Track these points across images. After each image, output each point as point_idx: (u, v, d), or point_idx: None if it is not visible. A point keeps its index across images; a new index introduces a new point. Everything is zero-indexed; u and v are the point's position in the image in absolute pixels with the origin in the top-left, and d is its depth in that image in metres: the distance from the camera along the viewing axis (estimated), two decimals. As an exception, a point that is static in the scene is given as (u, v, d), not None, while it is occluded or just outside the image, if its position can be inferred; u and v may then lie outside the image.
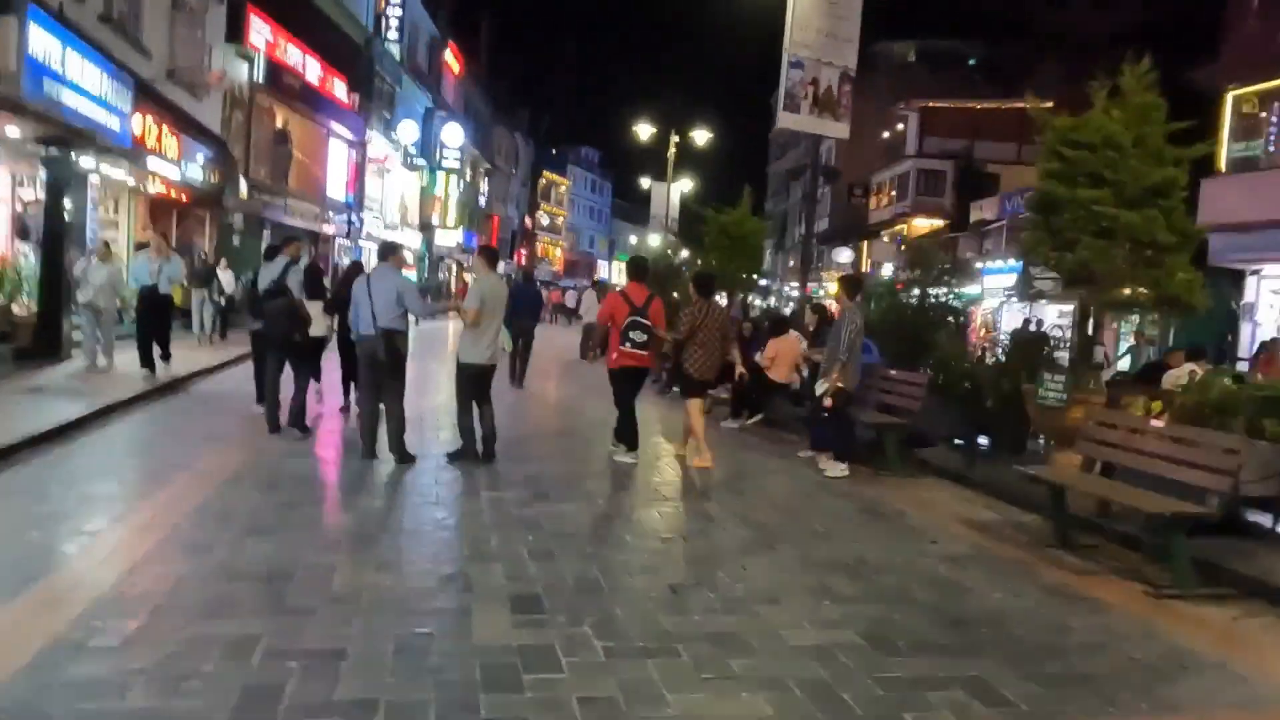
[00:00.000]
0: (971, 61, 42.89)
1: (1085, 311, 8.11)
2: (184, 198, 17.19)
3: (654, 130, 30.85)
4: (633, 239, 69.37)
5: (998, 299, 25.90)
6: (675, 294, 15.95)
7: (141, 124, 13.97)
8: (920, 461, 8.97)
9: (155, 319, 11.58)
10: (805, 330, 11.86)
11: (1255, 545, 6.00)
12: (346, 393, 10.28)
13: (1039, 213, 7.86)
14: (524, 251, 61.74)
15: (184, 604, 4.18)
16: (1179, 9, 24.27)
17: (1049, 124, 7.88)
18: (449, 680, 3.55)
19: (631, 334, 8.11)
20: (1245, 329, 18.14)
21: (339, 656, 3.69)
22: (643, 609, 4.47)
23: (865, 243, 41.23)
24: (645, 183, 41.99)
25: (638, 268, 8.86)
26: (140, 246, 13.02)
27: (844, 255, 40.83)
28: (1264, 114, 17.87)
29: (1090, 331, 8.63)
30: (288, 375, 8.78)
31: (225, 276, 16.18)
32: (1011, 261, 25.39)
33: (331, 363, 9.92)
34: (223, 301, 16.11)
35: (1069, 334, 11.26)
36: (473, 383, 7.90)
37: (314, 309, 8.91)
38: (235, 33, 19.33)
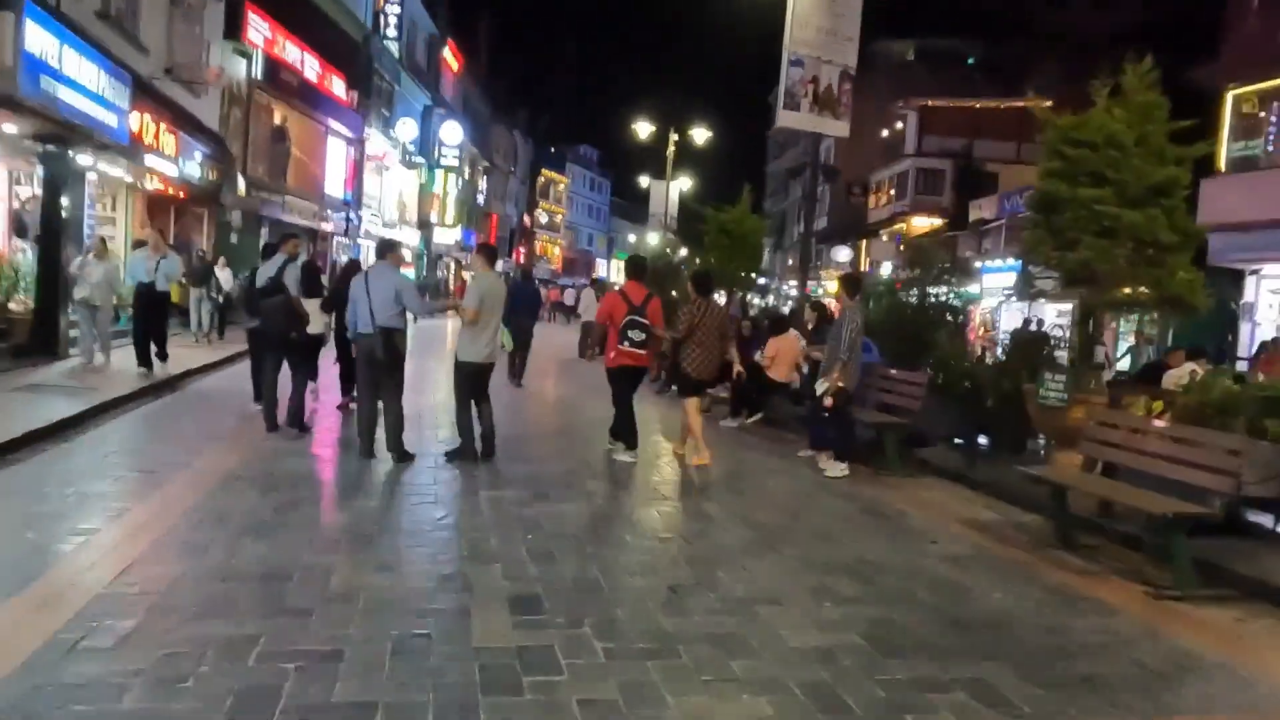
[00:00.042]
0: (970, 60, 42.89)
1: (1086, 311, 8.07)
2: (182, 195, 17.13)
3: (653, 129, 30.79)
4: (631, 237, 69.32)
5: (996, 298, 25.90)
6: (674, 293, 15.92)
7: (139, 121, 13.91)
8: (920, 461, 8.95)
9: (152, 317, 11.54)
10: (803, 328, 11.84)
11: (1256, 546, 5.98)
12: (344, 391, 10.25)
13: (1040, 212, 7.83)
14: (522, 250, 61.68)
15: (180, 604, 4.15)
16: (1179, 8, 24.25)
17: (1050, 122, 7.85)
18: (448, 682, 3.51)
19: (630, 333, 8.11)
20: (1244, 329, 18.14)
21: (337, 658, 3.66)
22: (643, 610, 4.44)
23: (864, 242, 41.22)
24: (644, 181, 41.94)
25: (636, 267, 8.86)
26: (139, 244, 12.97)
27: (843, 254, 40.81)
28: (1263, 114, 17.88)
29: (1090, 331, 8.59)
30: (285, 374, 8.75)
31: (223, 275, 16.14)
32: (1010, 261, 25.39)
33: (329, 361, 9.88)
34: (220, 299, 16.06)
35: (1068, 333, 11.26)
36: (471, 381, 7.88)
37: (311, 307, 8.87)
38: (233, 29, 19.27)
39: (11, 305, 11.89)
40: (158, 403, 10.09)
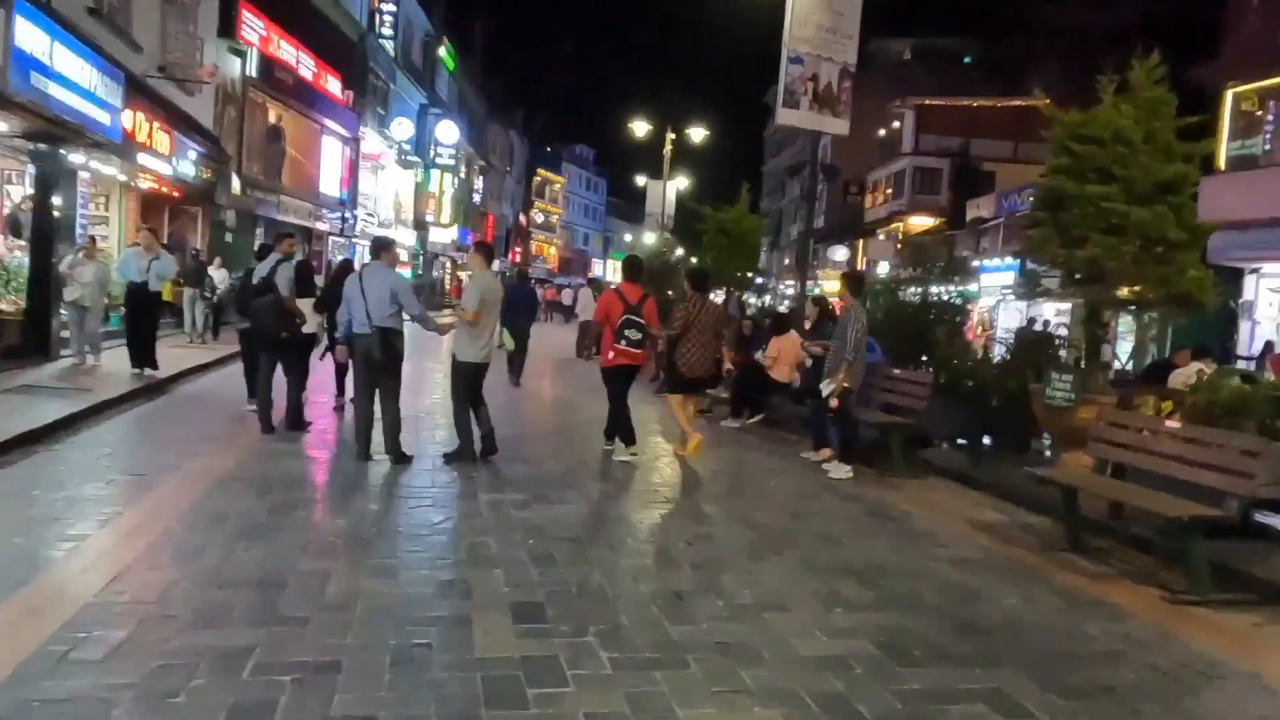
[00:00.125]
0: (967, 60, 42.87)
1: (1094, 309, 7.97)
2: (176, 194, 17.00)
3: (649, 128, 30.64)
4: (628, 237, 69.23)
5: (994, 297, 25.84)
6: (670, 293, 15.82)
7: (132, 119, 13.77)
8: (924, 462, 8.85)
9: (143, 317, 11.39)
10: (801, 325, 11.77)
11: (1269, 548, 5.86)
12: (340, 392, 10.13)
13: (1047, 209, 7.72)
14: (519, 249, 61.54)
15: (173, 613, 4.02)
16: (1178, 7, 24.21)
17: (1057, 119, 7.74)
18: (450, 694, 3.39)
19: (626, 332, 8.09)
20: (1244, 327, 18.09)
21: (334, 669, 3.53)
22: (648, 617, 4.32)
23: (861, 241, 41.17)
24: (640, 181, 41.81)
25: (633, 266, 8.88)
26: (135, 245, 12.83)
27: (839, 253, 40.74)
28: (1262, 112, 17.82)
29: (1097, 330, 8.49)
30: (281, 374, 8.63)
31: (218, 274, 15.99)
32: (1009, 260, 25.35)
33: (324, 360, 9.75)
34: (215, 299, 15.92)
35: (1068, 332, 11.16)
36: (470, 381, 7.78)
37: (305, 306, 8.75)
38: (227, 27, 19.15)
39: (3, 305, 11.74)
40: (151, 404, 9.95)
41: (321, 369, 9.85)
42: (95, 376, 10.66)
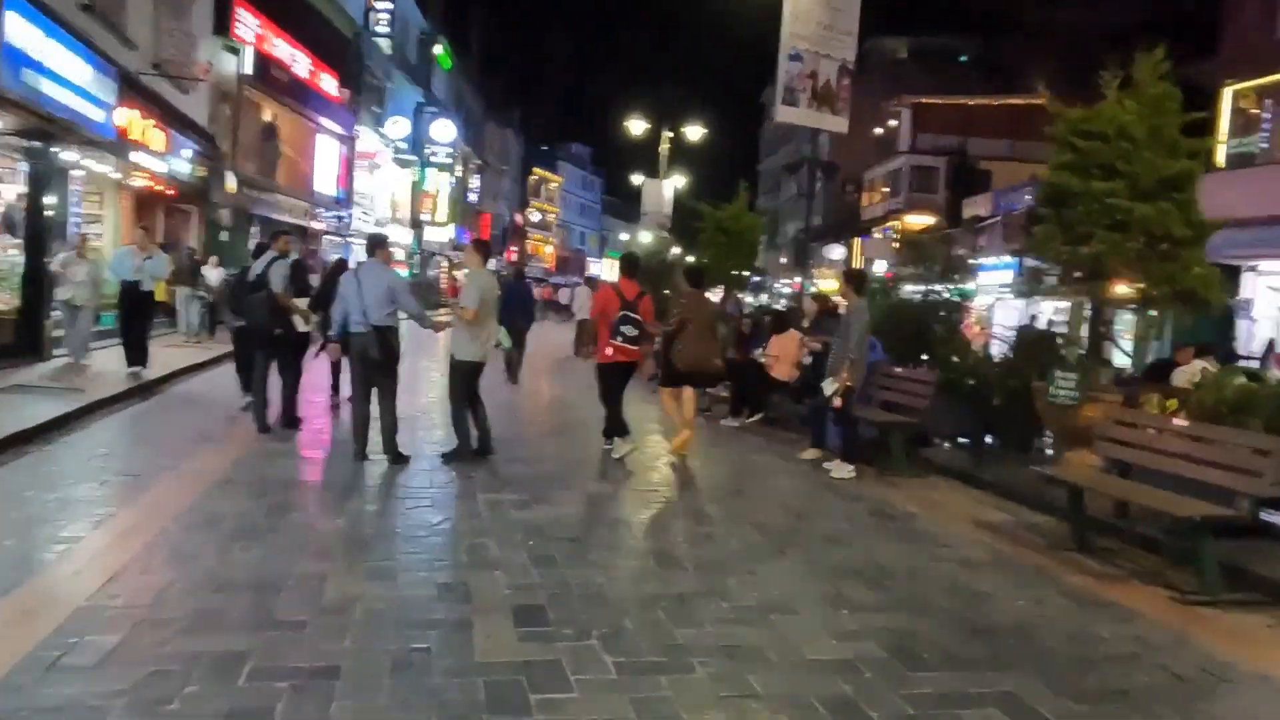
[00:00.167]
0: (964, 58, 42.84)
1: (1098, 307, 7.90)
2: (171, 192, 16.87)
3: (646, 127, 30.53)
4: (624, 235, 69.11)
5: (992, 295, 25.78)
6: (666, 291, 15.74)
7: (126, 117, 13.65)
8: (925, 461, 8.78)
9: (136, 316, 11.27)
10: (799, 322, 11.71)
11: (1274, 547, 5.79)
12: (335, 390, 10.05)
13: (1050, 206, 7.66)
14: (515, 248, 61.42)
15: (167, 617, 3.94)
16: (1176, 5, 24.19)
17: (1061, 115, 7.68)
18: (451, 700, 3.31)
19: (623, 329, 8.03)
20: (1241, 325, 18.05)
21: (332, 675, 3.45)
22: (652, 619, 4.24)
23: (856, 240, 41.11)
24: (637, 179, 41.70)
25: (630, 263, 8.88)
26: (130, 244, 12.71)
27: (835, 252, 40.68)
28: (1259, 110, 17.79)
29: (1100, 328, 8.43)
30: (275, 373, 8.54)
31: (214, 273, 15.86)
32: (1006, 258, 25.30)
33: (319, 359, 9.66)
34: (210, 298, 15.80)
35: (1068, 330, 11.11)
36: (468, 380, 7.71)
37: (300, 305, 8.67)
38: (222, 25, 19.01)
39: (-4, 304, 11.63)
40: (145, 404, 9.86)
41: (316, 367, 9.76)
42: (88, 376, 10.55)
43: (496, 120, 57.76)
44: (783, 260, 50.82)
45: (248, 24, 19.94)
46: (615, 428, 8.28)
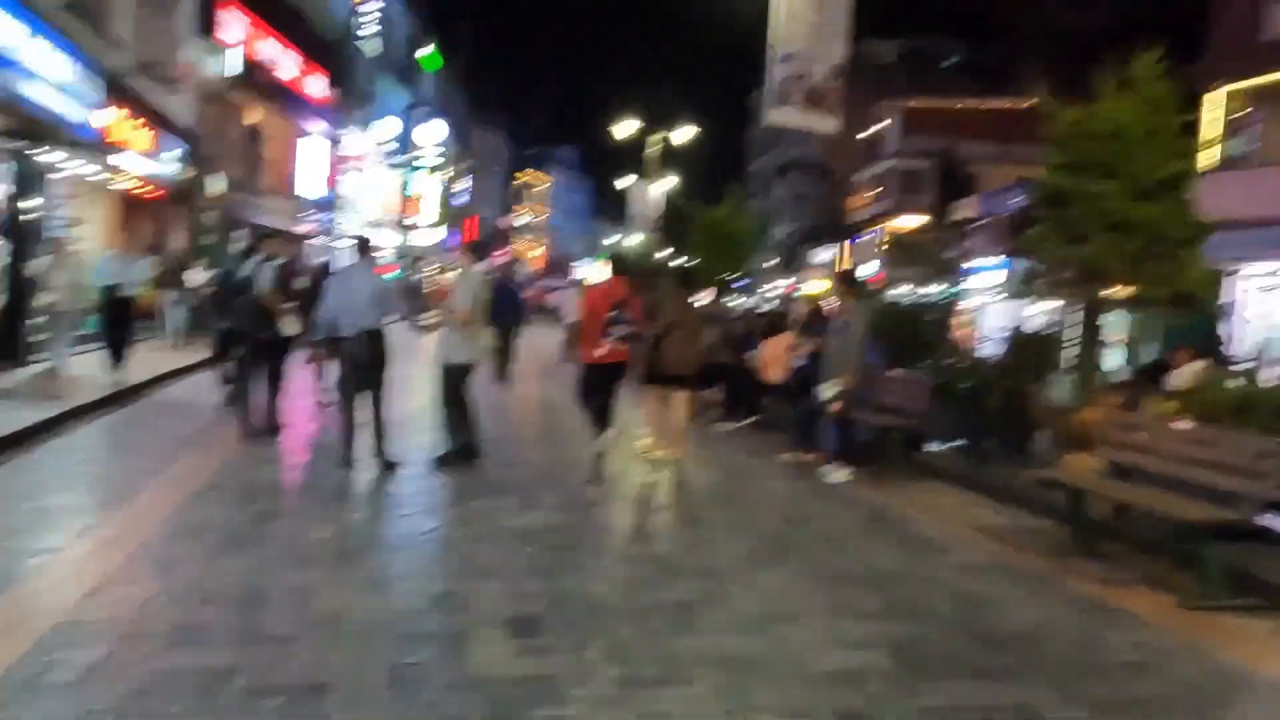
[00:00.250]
0: (954, 60, 42.96)
1: (1094, 309, 7.85)
2: (156, 195, 16.66)
3: (635, 129, 30.46)
4: (613, 237, 68.96)
5: (981, 298, 25.80)
6: (654, 294, 15.63)
7: (110, 118, 13.46)
8: (921, 464, 8.70)
9: (118, 321, 11.08)
10: (788, 326, 11.62)
11: (1278, 550, 5.74)
12: (323, 391, 9.90)
13: (1047, 206, 7.60)
14: (503, 251, 61.23)
15: (151, 631, 3.81)
16: (1164, 8, 24.28)
17: (1057, 115, 7.63)
18: (447, 718, 3.20)
19: (612, 328, 7.88)
20: (1223, 328, 18.04)
21: (322, 691, 3.33)
22: (652, 630, 4.14)
23: (844, 243, 41.13)
24: (626, 182, 41.63)
25: (620, 263, 8.83)
26: (113, 248, 12.52)
27: (824, 254, 40.68)
28: (1247, 112, 17.85)
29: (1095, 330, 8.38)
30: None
31: (199, 277, 15.63)
32: (995, 260, 25.32)
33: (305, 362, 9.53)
34: (195, 301, 15.59)
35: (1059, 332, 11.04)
36: (457, 382, 7.60)
37: (287, 307, 8.54)
38: (207, 26, 18.82)
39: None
40: (127, 410, 9.68)
41: (301, 372, 9.61)
42: (71, 381, 10.35)
43: (485, 123, 57.70)
44: (773, 262, 50.83)
45: (234, 26, 19.75)
46: (599, 426, 8.09)
